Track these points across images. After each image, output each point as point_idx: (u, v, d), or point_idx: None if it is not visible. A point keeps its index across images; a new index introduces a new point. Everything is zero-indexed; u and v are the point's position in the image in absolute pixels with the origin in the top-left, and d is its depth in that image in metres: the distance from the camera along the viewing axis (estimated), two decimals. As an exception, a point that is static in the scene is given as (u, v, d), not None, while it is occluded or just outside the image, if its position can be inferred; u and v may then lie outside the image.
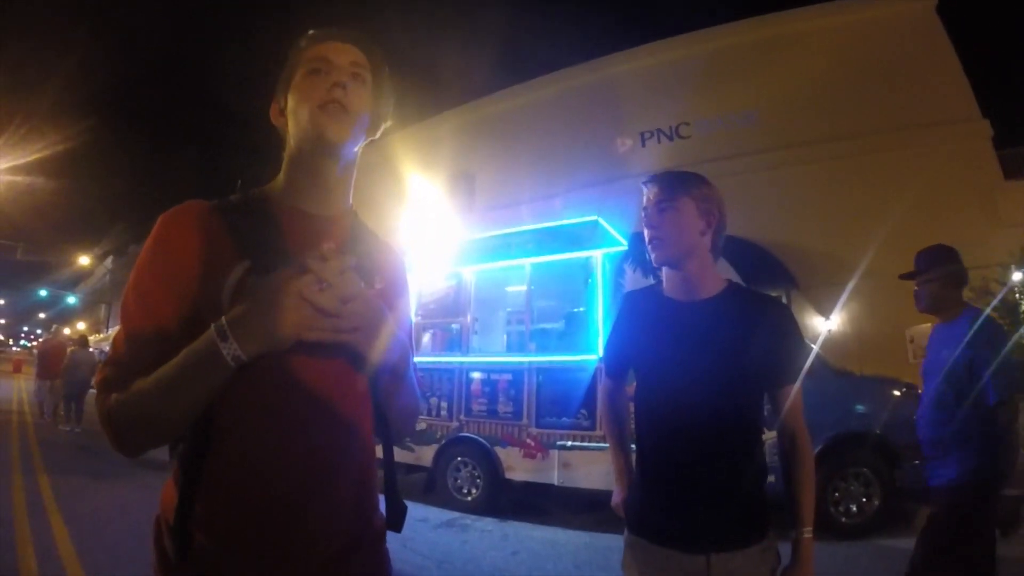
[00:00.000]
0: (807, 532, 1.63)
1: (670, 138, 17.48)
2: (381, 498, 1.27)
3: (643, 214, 1.77)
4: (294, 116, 1.17)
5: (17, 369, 34.13)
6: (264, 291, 0.96)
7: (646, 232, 1.75)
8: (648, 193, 1.76)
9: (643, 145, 17.85)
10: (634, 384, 1.83)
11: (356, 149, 1.23)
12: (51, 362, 13.63)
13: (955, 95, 14.56)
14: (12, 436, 11.31)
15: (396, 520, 1.26)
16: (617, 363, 1.98)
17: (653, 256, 1.73)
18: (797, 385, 1.69)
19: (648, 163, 16.32)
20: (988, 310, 2.80)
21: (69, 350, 13.39)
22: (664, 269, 1.79)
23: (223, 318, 0.96)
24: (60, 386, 13.16)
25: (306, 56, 1.19)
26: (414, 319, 7.23)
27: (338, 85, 1.14)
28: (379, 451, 1.28)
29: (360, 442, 1.15)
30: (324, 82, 1.14)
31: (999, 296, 10.79)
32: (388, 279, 1.26)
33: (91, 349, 13.98)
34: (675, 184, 1.73)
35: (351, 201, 1.29)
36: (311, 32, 1.23)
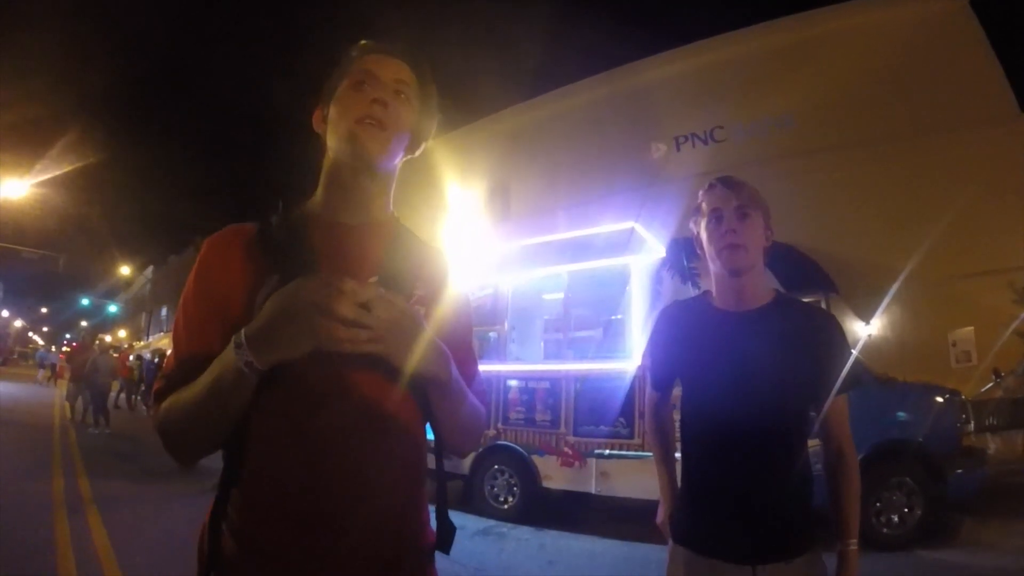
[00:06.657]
0: (852, 544, 1.62)
1: (705, 142, 17.28)
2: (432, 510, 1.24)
3: (712, 215, 1.71)
4: (333, 127, 1.18)
5: (60, 375, 35.18)
6: (278, 300, 0.96)
7: (721, 236, 1.68)
8: (721, 195, 1.71)
9: (678, 150, 17.68)
10: (679, 393, 1.82)
11: (395, 163, 1.24)
12: (77, 365, 14.19)
13: (992, 92, 14.16)
14: (54, 439, 11.61)
15: (445, 540, 1.22)
16: (663, 375, 1.93)
17: (730, 262, 1.67)
18: (839, 396, 1.66)
19: (684, 168, 16.17)
20: None
21: (91, 357, 13.72)
22: (715, 278, 1.77)
23: (243, 329, 0.97)
24: (85, 391, 13.73)
25: (353, 67, 1.19)
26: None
27: (378, 102, 1.15)
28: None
29: (404, 455, 1.13)
30: (365, 97, 1.15)
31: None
32: (431, 285, 1.21)
33: (117, 355, 14.32)
34: (752, 191, 1.71)
35: (391, 208, 1.27)
36: (362, 43, 1.24)
